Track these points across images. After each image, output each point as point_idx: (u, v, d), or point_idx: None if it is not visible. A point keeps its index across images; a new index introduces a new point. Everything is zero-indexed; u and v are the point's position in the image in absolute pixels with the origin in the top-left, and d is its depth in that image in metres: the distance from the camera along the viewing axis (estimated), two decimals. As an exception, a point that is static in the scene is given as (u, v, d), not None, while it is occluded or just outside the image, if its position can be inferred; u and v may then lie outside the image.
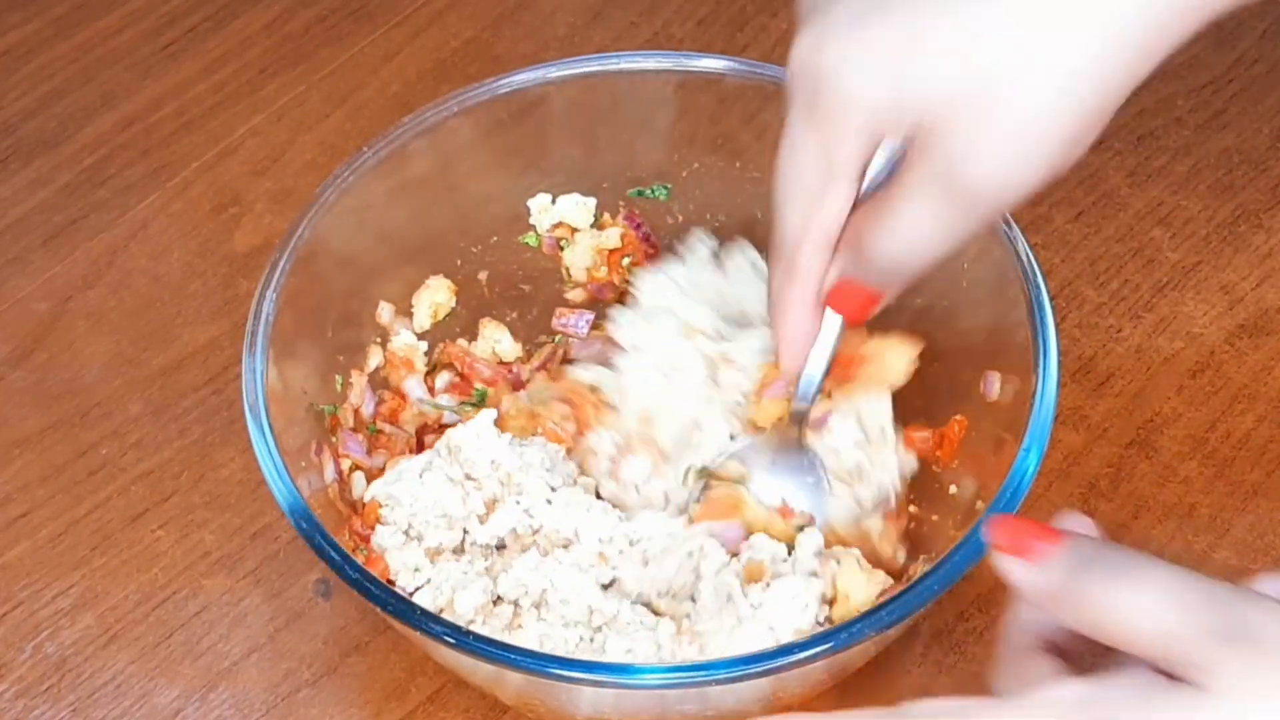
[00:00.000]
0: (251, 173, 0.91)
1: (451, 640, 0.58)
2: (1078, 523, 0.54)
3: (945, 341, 0.71)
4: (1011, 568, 0.51)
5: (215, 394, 0.82)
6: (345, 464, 0.71)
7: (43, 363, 0.83)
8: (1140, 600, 0.48)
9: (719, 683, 0.57)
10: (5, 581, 0.76)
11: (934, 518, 0.70)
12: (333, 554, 0.60)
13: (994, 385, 0.68)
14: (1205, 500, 0.76)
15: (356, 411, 0.73)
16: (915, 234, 0.57)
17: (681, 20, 0.96)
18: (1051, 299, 0.65)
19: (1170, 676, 0.48)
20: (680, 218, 0.78)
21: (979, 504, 0.65)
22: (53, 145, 0.92)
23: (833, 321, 0.63)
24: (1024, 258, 0.66)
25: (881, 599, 0.63)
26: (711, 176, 0.76)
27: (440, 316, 0.76)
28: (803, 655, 0.57)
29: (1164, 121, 0.90)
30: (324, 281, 0.71)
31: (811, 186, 0.58)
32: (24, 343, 0.84)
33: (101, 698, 0.72)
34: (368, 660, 0.73)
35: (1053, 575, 0.50)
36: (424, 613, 0.59)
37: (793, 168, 0.58)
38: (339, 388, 0.73)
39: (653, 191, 0.77)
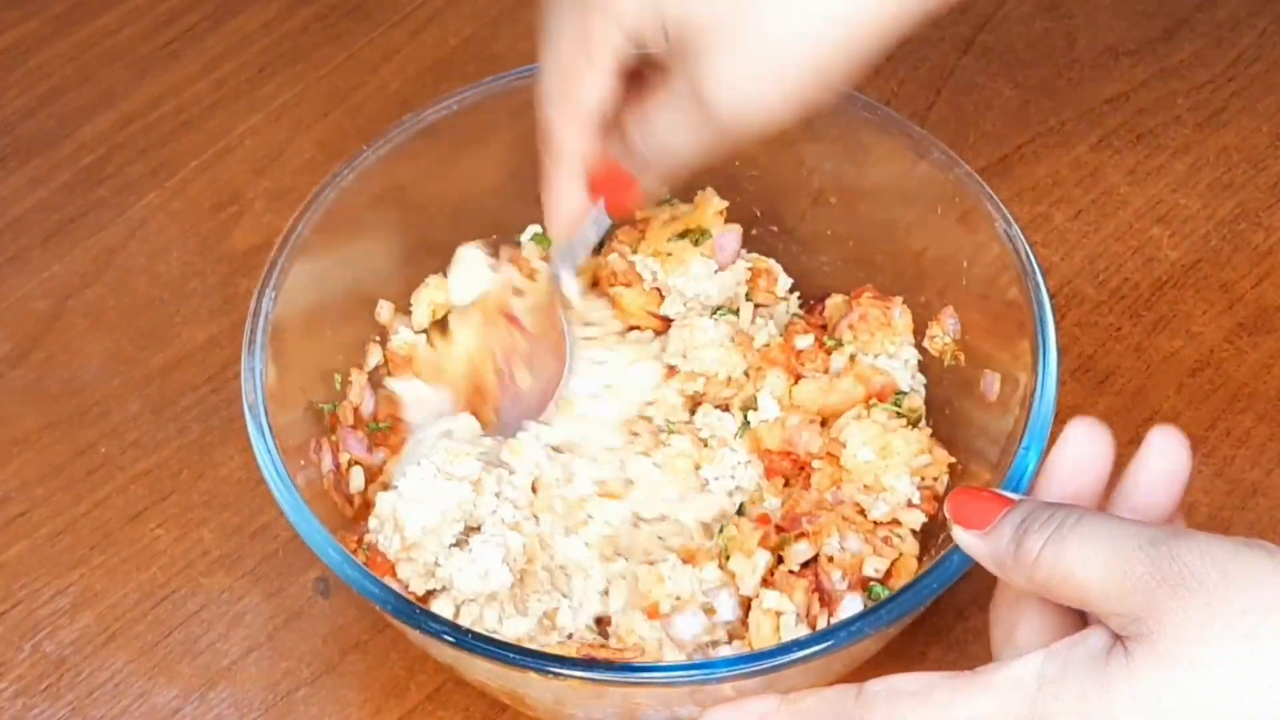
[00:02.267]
0: (250, 171, 0.91)
1: (450, 638, 0.58)
2: (1089, 426, 0.57)
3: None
4: (962, 537, 0.54)
5: (214, 393, 0.82)
6: (344, 458, 0.71)
7: (41, 361, 0.83)
8: (1080, 555, 0.50)
9: (720, 681, 0.57)
10: (4, 580, 0.76)
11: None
12: (332, 552, 0.60)
13: (993, 385, 0.68)
14: (1205, 499, 0.76)
15: (356, 409, 0.73)
16: (666, 137, 0.61)
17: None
18: (1051, 297, 0.65)
19: (1121, 638, 0.49)
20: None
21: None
22: (51, 144, 0.92)
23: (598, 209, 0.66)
24: (1023, 255, 0.66)
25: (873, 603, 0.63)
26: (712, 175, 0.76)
27: (439, 315, 0.76)
28: (802, 654, 0.57)
29: (1163, 120, 0.90)
30: (323, 280, 0.71)
31: (570, 72, 0.62)
32: (23, 341, 0.84)
33: (100, 696, 0.72)
34: (367, 659, 0.73)
35: (1000, 541, 0.52)
36: (423, 611, 0.59)
37: (555, 57, 0.62)
38: (338, 386, 0.73)
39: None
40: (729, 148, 0.61)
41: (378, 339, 0.75)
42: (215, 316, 0.85)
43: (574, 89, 0.62)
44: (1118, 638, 0.49)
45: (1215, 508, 0.75)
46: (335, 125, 0.92)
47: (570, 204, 0.66)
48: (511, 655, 0.58)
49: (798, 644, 0.57)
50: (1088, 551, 0.50)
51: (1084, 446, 0.57)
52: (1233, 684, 0.47)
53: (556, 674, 0.57)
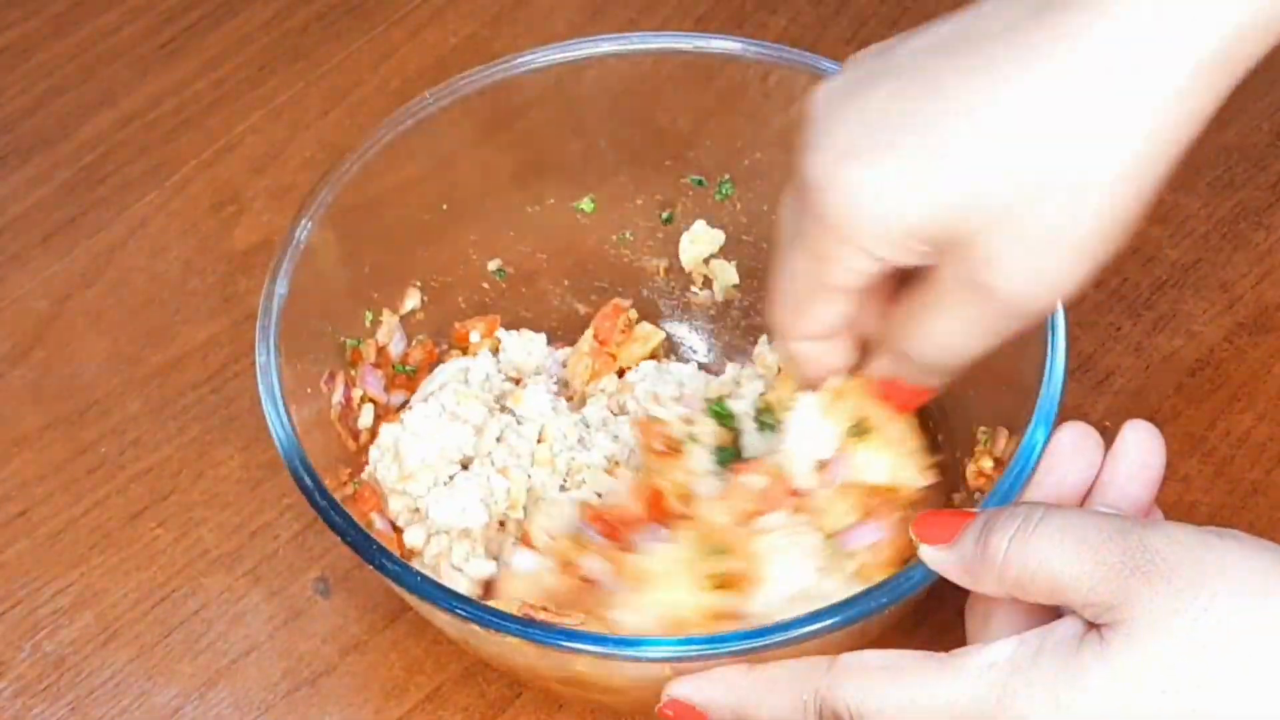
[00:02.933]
0: (251, 170, 0.91)
1: (388, 569, 0.58)
2: (1076, 430, 0.57)
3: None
4: (928, 554, 0.54)
5: (214, 392, 0.82)
6: (357, 393, 0.71)
7: (41, 361, 0.83)
8: (1048, 549, 0.51)
9: (726, 656, 0.57)
10: (4, 580, 0.76)
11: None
12: (318, 498, 0.60)
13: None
14: (1204, 498, 0.76)
15: (381, 348, 0.73)
16: (949, 340, 0.55)
17: (680, 17, 0.96)
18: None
19: (1095, 625, 0.50)
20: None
21: (978, 496, 0.65)
22: (51, 143, 0.92)
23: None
24: None
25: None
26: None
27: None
28: (799, 631, 0.56)
29: (1164, 119, 0.90)
30: (367, 219, 0.71)
31: (801, 303, 0.57)
32: (22, 341, 0.84)
33: (100, 696, 0.72)
34: (367, 659, 0.73)
35: (965, 547, 0.53)
36: (424, 579, 0.59)
37: (788, 280, 0.57)
38: (368, 323, 0.72)
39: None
40: (1016, 331, 0.55)
41: (418, 283, 0.75)
42: (215, 316, 0.85)
43: (803, 325, 0.57)
44: (1092, 626, 0.50)
45: (1215, 507, 0.75)
46: (336, 124, 0.92)
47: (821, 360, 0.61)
48: (447, 601, 0.57)
49: (798, 620, 0.57)
50: (1055, 545, 0.50)
51: (1073, 450, 0.58)
52: (1208, 667, 0.48)
53: (562, 645, 0.57)
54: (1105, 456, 0.59)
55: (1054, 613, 0.53)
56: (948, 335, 0.55)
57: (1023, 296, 0.52)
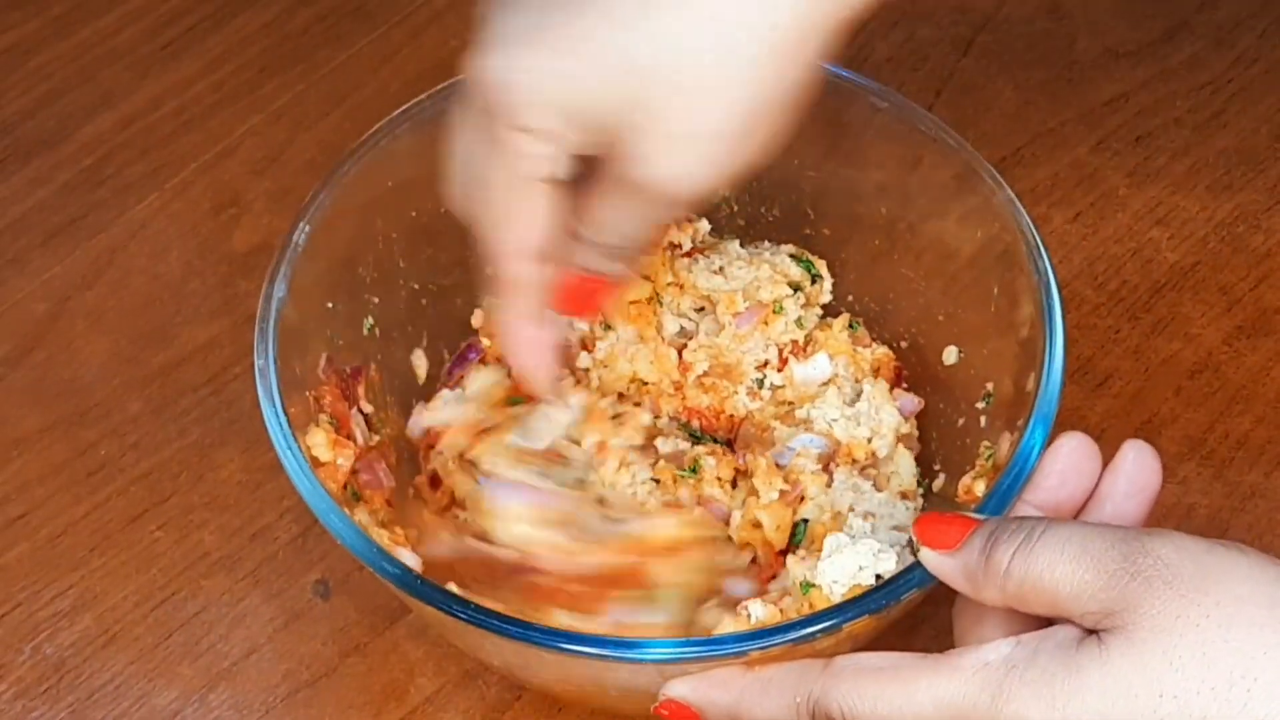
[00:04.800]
0: (251, 172, 0.91)
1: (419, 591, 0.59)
2: (1079, 441, 0.58)
3: (949, 323, 0.72)
4: (930, 558, 0.54)
5: (214, 394, 0.82)
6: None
7: (41, 362, 0.83)
8: (1050, 559, 0.51)
9: (724, 658, 0.57)
10: (4, 582, 0.76)
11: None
12: (318, 501, 0.61)
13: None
14: (1203, 501, 0.76)
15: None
16: (618, 226, 0.60)
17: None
18: (1055, 271, 0.65)
19: (1094, 631, 0.50)
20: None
21: (979, 486, 0.66)
22: (51, 145, 0.92)
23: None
24: (1027, 232, 0.66)
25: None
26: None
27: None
28: (799, 633, 0.57)
29: (1163, 121, 0.90)
30: (367, 221, 0.71)
31: (502, 204, 0.60)
32: (23, 342, 0.84)
33: (100, 699, 0.72)
34: (367, 661, 0.73)
35: (970, 555, 0.53)
36: (424, 581, 0.59)
37: (483, 190, 0.60)
38: (366, 330, 0.72)
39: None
40: (673, 216, 0.62)
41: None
42: (215, 317, 0.85)
43: (514, 227, 0.60)
44: (1090, 632, 0.50)
45: (1214, 510, 0.75)
46: (336, 126, 0.92)
47: (538, 342, 0.65)
48: (447, 604, 0.58)
49: (798, 623, 0.57)
50: (1058, 555, 0.51)
51: (1072, 460, 0.58)
52: (1212, 672, 0.48)
53: (558, 647, 0.57)
54: (1104, 472, 0.59)
55: (1048, 625, 0.53)
56: (616, 222, 0.60)
57: (667, 187, 0.57)
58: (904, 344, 0.75)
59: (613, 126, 0.56)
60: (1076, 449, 0.59)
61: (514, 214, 0.60)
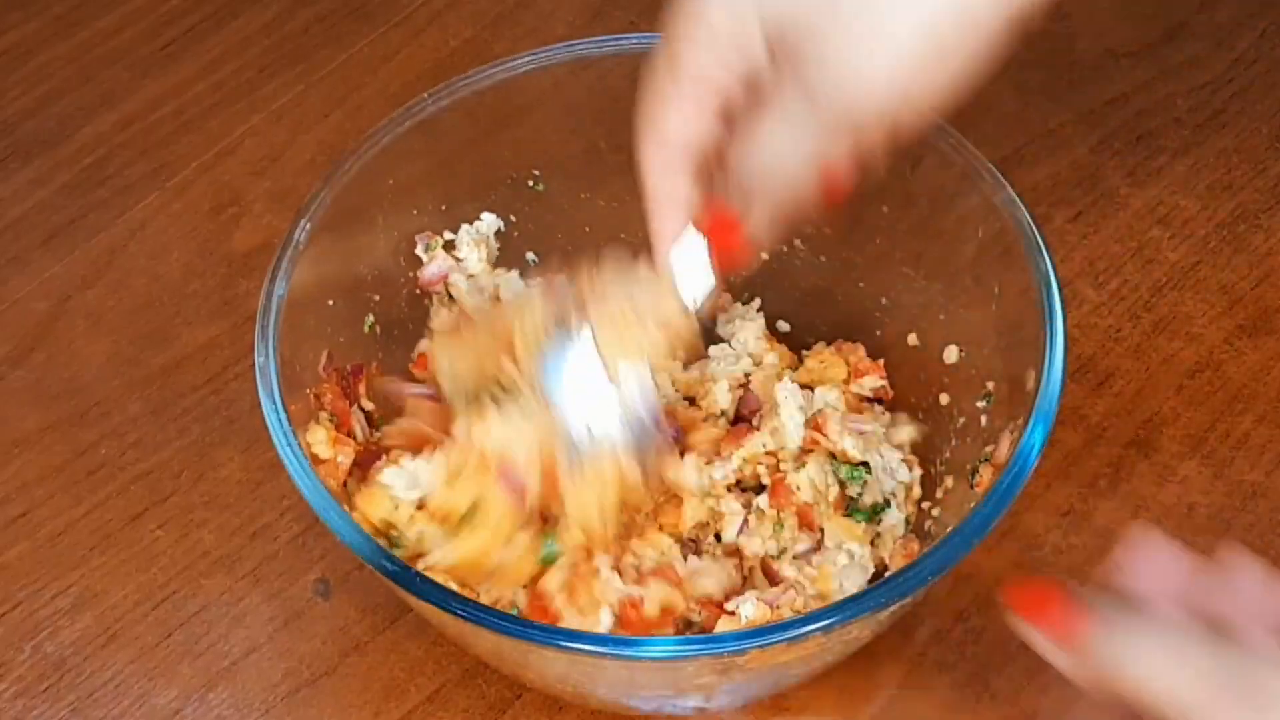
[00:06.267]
0: (250, 173, 0.91)
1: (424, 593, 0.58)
2: (1152, 541, 0.52)
3: (950, 322, 0.72)
4: (1053, 656, 0.50)
5: (214, 394, 0.82)
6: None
7: (42, 362, 0.83)
8: (1155, 668, 0.47)
9: (722, 655, 0.57)
10: (4, 581, 0.76)
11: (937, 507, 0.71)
12: (318, 499, 0.61)
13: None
14: (1204, 500, 0.76)
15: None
16: (772, 155, 0.58)
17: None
18: (1056, 270, 0.65)
19: None
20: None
21: (980, 475, 0.66)
22: (52, 145, 0.92)
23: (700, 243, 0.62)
24: (1028, 231, 0.66)
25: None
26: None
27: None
28: (805, 630, 0.57)
29: (1163, 121, 0.90)
30: (366, 221, 0.71)
31: (657, 106, 0.59)
32: (23, 342, 0.84)
33: (101, 697, 0.72)
34: (367, 660, 0.73)
35: (1085, 661, 0.49)
36: (424, 580, 0.59)
37: (647, 91, 0.59)
38: (367, 329, 0.72)
39: None
40: (830, 147, 0.57)
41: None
42: (215, 318, 0.85)
43: (660, 123, 0.59)
44: None
45: (1215, 509, 0.75)
46: (335, 126, 0.92)
47: (672, 234, 0.62)
48: (447, 603, 0.58)
49: (801, 620, 0.57)
50: (1159, 666, 0.48)
51: (1159, 562, 0.53)
52: None
53: (487, 626, 0.57)
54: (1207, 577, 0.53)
55: None
56: (771, 149, 0.58)
57: (845, 92, 0.55)
58: (908, 341, 0.75)
59: (797, 32, 0.55)
60: (1159, 550, 0.53)
61: (663, 115, 0.59)
